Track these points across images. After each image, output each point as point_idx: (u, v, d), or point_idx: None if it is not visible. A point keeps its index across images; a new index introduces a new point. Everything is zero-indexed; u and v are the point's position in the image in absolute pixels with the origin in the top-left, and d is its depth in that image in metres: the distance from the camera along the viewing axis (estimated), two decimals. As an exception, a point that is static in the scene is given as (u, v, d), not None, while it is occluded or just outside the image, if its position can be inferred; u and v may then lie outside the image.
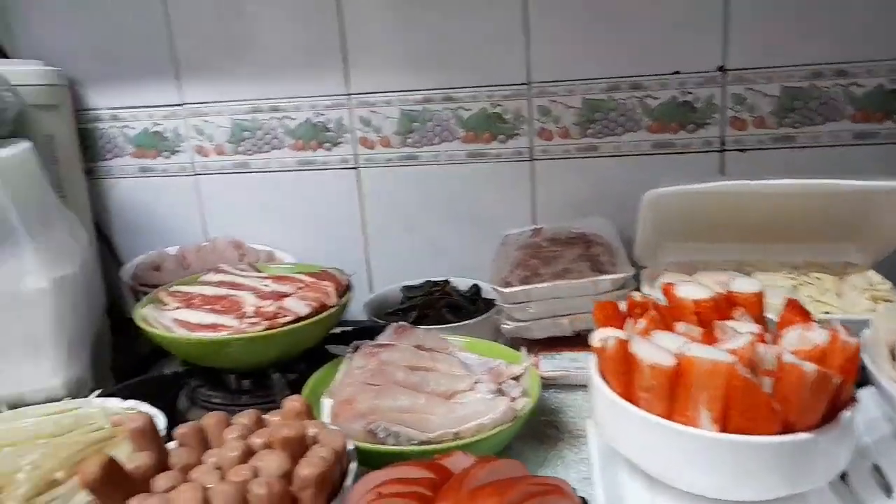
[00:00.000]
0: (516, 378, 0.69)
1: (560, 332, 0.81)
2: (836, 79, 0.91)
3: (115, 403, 0.65)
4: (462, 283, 0.97)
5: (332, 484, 0.49)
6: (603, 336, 0.47)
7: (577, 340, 0.83)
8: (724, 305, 0.49)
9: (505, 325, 0.81)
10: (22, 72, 0.90)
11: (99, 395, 0.66)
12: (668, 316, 0.49)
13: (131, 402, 0.67)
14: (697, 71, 0.93)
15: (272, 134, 1.06)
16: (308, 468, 0.47)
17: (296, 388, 0.70)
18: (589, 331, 0.81)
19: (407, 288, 0.97)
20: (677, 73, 0.94)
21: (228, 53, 1.02)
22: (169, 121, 1.07)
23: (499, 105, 0.99)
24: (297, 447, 0.51)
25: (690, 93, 0.94)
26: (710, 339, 0.44)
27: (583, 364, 0.80)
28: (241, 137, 1.06)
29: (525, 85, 0.98)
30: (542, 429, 0.72)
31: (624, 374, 0.44)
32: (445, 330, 0.80)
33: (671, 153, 0.97)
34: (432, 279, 0.98)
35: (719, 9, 0.90)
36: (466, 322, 0.84)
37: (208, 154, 1.08)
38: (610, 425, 0.49)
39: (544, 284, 0.76)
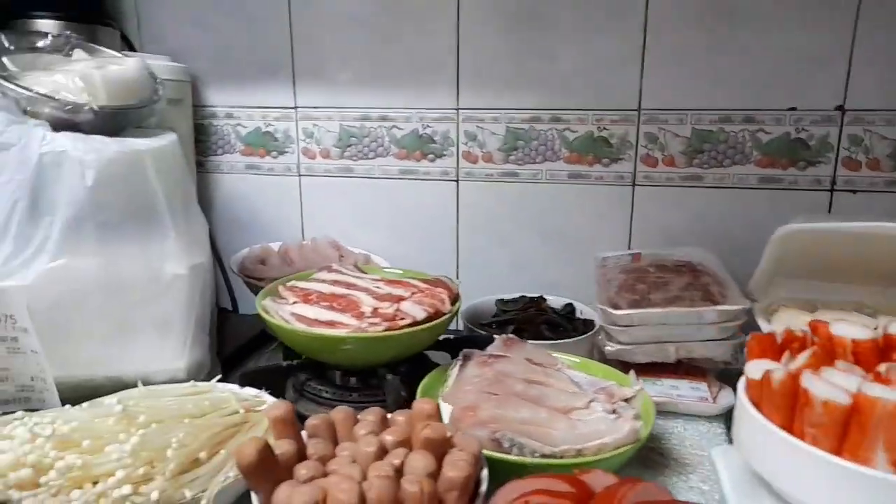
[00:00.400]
0: (626, 400, 0.69)
1: (662, 359, 0.80)
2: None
3: (235, 389, 0.68)
4: (555, 302, 0.98)
5: (472, 489, 0.50)
6: (765, 367, 0.47)
7: (677, 368, 0.83)
8: (884, 347, 0.49)
9: (608, 347, 0.81)
10: (155, 66, 0.95)
11: (218, 381, 0.69)
12: (826, 353, 0.49)
13: (249, 390, 0.69)
14: (815, 108, 0.93)
15: (378, 142, 1.09)
16: (454, 471, 0.49)
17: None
18: (691, 360, 0.82)
19: (502, 301, 0.98)
20: (793, 109, 0.93)
21: (344, 63, 1.06)
22: (280, 122, 1.11)
23: (606, 129, 1.00)
24: (438, 449, 0.52)
25: (805, 130, 0.94)
26: (880, 380, 0.44)
27: (683, 392, 0.80)
28: (347, 143, 1.10)
29: (635, 111, 0.98)
30: (646, 454, 0.71)
31: (789, 408, 0.44)
32: (545, 347, 0.81)
33: (777, 189, 0.97)
34: (527, 295, 0.98)
35: (845, 46, 0.90)
36: (566, 340, 0.85)
37: (314, 157, 1.12)
38: (766, 458, 0.49)
39: (658, 310, 0.76)
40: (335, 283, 0.82)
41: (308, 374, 0.79)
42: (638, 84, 0.97)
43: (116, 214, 0.68)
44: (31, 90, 0.65)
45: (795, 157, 0.95)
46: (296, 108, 1.10)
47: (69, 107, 0.65)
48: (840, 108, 0.92)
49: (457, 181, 1.07)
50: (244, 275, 0.97)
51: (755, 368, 0.50)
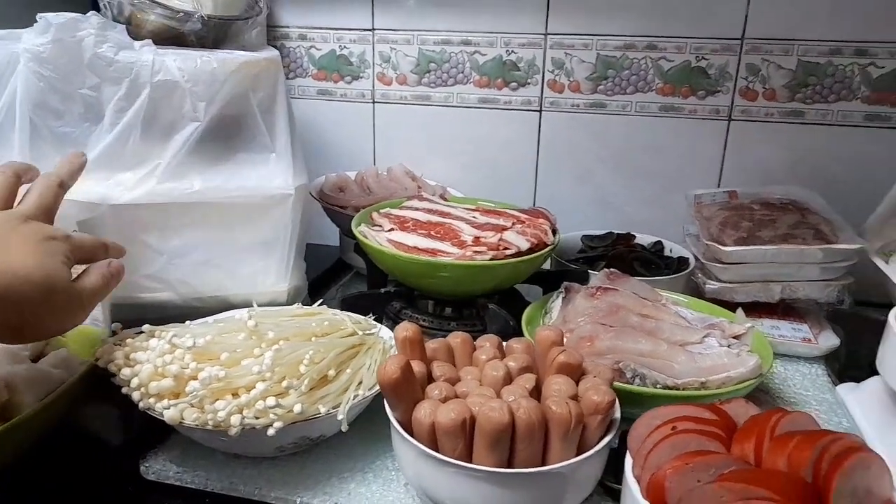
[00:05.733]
0: (737, 337, 0.67)
1: (766, 299, 0.78)
2: None
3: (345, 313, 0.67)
4: (643, 240, 0.95)
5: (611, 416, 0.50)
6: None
7: (776, 308, 0.81)
8: None
9: (709, 286, 0.79)
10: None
11: (320, 305, 0.68)
12: None
13: (356, 315, 0.68)
14: (935, 40, 0.87)
15: (458, 68, 1.05)
16: (598, 395, 0.48)
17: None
18: (796, 300, 0.80)
19: (588, 237, 0.96)
20: (915, 40, 0.87)
21: (427, -19, 1.01)
22: (356, 45, 1.07)
23: (704, 59, 0.95)
24: (574, 373, 0.51)
25: (923, 63, 0.88)
26: None
27: (784, 333, 0.78)
28: (426, 69, 1.06)
29: (737, 40, 0.93)
30: (752, 392, 0.70)
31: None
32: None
33: (886, 127, 0.92)
34: (615, 231, 0.96)
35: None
36: (661, 277, 0.83)
37: (390, 83, 1.08)
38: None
39: (770, 247, 0.74)
40: (429, 211, 0.81)
41: (402, 303, 0.79)
42: (744, 10, 0.91)
43: (223, 135, 0.67)
44: (140, -4, 0.62)
45: (909, 93, 0.90)
46: (373, 30, 1.06)
47: (180, 14, 0.63)
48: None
49: (539, 111, 1.04)
50: (325, 201, 0.95)
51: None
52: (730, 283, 0.78)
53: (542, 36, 1.00)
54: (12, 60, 0.60)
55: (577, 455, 0.47)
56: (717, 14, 0.93)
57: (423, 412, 0.47)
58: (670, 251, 0.93)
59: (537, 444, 0.46)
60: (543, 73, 1.02)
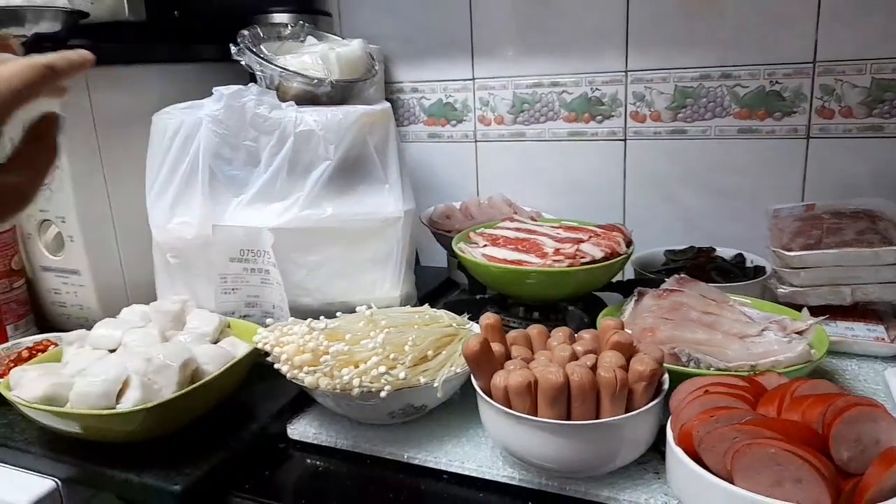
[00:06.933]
0: (800, 333, 0.73)
1: (837, 301, 0.83)
2: None
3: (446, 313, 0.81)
4: (725, 253, 1.02)
5: (655, 385, 0.59)
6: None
7: (852, 311, 0.85)
8: None
9: (781, 290, 0.85)
10: (359, 49, 1.11)
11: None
12: None
13: (448, 312, 0.82)
14: None
15: (549, 106, 1.18)
16: (642, 365, 0.58)
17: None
18: (870, 303, 0.83)
19: (671, 252, 1.04)
20: None
21: (519, 36, 1.16)
22: (459, 93, 1.24)
23: (778, 83, 1.02)
24: (626, 352, 0.61)
25: None
26: None
27: (858, 333, 0.82)
28: (520, 109, 1.20)
29: (809, 63, 0.99)
30: (819, 386, 0.75)
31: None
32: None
33: (971, 136, 0.93)
34: (696, 245, 1.03)
35: None
36: (736, 283, 0.89)
37: (489, 123, 1.24)
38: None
39: (832, 251, 0.79)
40: (518, 229, 0.93)
41: (496, 308, 0.92)
42: (812, 35, 0.98)
43: (347, 171, 0.84)
44: (287, 69, 0.82)
45: None
46: (473, 79, 1.22)
47: (314, 81, 0.81)
48: None
49: (624, 140, 1.14)
50: (433, 227, 1.11)
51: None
52: (801, 287, 0.83)
53: (623, 73, 1.11)
54: (197, 123, 0.81)
55: (626, 414, 0.57)
56: (786, 40, 1.00)
57: (499, 378, 0.59)
58: (751, 262, 0.98)
59: (590, 403, 0.56)
60: (626, 106, 1.12)
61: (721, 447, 0.49)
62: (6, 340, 0.88)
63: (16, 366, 0.79)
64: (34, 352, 0.84)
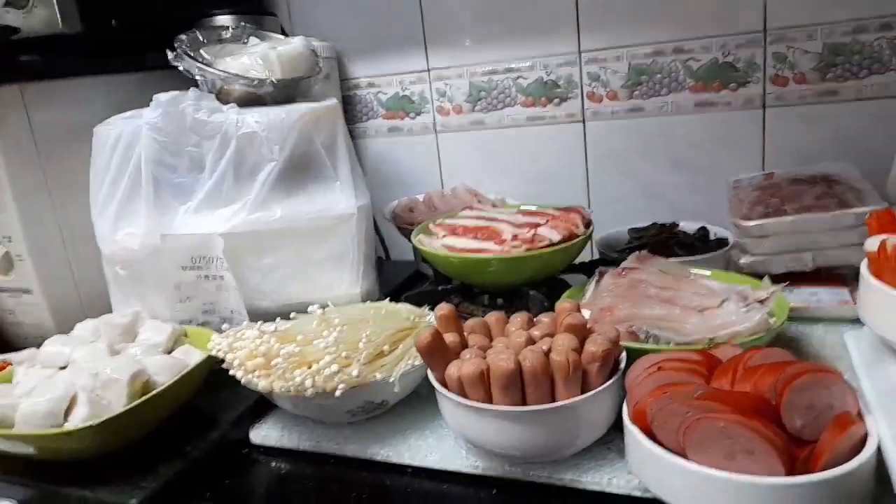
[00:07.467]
0: (761, 301, 0.73)
1: (800, 267, 0.83)
2: None
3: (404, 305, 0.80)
4: (688, 227, 1.01)
5: (611, 364, 0.58)
6: (881, 239, 0.50)
7: (816, 276, 0.84)
8: None
9: (743, 260, 0.84)
10: (309, 46, 1.09)
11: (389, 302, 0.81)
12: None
13: (414, 307, 0.81)
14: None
15: (505, 93, 1.17)
16: (594, 346, 0.57)
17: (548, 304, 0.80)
18: (832, 267, 0.83)
19: (634, 230, 1.03)
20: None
21: (471, 25, 1.15)
22: (415, 85, 1.23)
23: (731, 54, 1.01)
24: (580, 333, 0.60)
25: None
26: None
27: (822, 297, 0.82)
28: (478, 97, 1.19)
29: (760, 32, 0.99)
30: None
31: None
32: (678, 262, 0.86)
33: (924, 94, 0.93)
34: (658, 222, 1.03)
35: None
36: (700, 256, 0.89)
37: (448, 113, 1.22)
38: (891, 324, 0.52)
39: (789, 218, 0.79)
40: (478, 217, 0.92)
41: (460, 297, 0.91)
42: (762, 4, 0.97)
43: (295, 171, 0.82)
44: (227, 72, 0.80)
45: (941, 58, 0.91)
46: (428, 70, 1.21)
47: (255, 82, 0.80)
48: None
49: (583, 122, 1.13)
50: (397, 222, 1.10)
51: (873, 242, 0.53)
52: (762, 255, 0.83)
53: (576, 54, 1.10)
54: (136, 132, 0.79)
55: (581, 396, 0.56)
56: (736, 11, 0.99)
57: (453, 368, 0.58)
58: (714, 235, 0.98)
59: (543, 388, 0.56)
60: (582, 87, 1.11)
61: (673, 423, 0.48)
62: (-39, 365, 0.86)
63: (-30, 390, 0.77)
64: (-11, 374, 0.82)
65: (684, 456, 0.47)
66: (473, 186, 1.18)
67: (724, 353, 0.57)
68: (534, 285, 0.86)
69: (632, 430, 0.51)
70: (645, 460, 0.50)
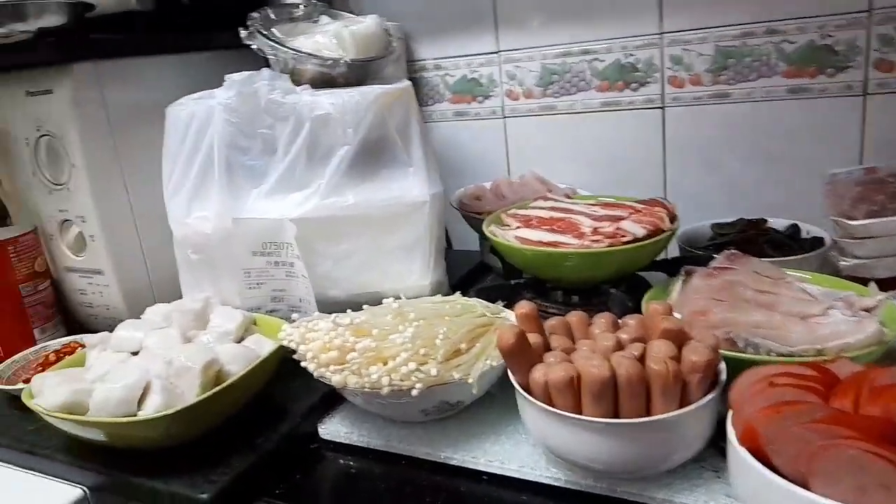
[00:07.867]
0: (868, 310, 0.67)
1: (908, 273, 0.76)
2: None
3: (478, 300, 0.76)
4: (777, 224, 0.95)
5: (711, 375, 0.54)
6: None
7: (924, 284, 0.78)
8: None
9: (843, 262, 0.78)
10: (378, 26, 1.06)
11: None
12: None
13: (481, 300, 0.77)
14: None
15: (580, 76, 1.11)
16: (696, 355, 0.52)
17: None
18: (944, 273, 0.76)
19: (718, 225, 0.97)
20: None
21: (544, 3, 1.09)
22: (484, 68, 1.18)
23: (830, 36, 0.94)
24: (677, 340, 0.56)
25: None
26: None
27: (932, 307, 0.75)
28: (549, 81, 1.14)
29: (865, 13, 0.91)
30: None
31: None
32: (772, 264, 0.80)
33: None
34: (745, 217, 0.97)
35: None
36: (792, 258, 0.83)
37: (517, 98, 1.17)
38: None
39: (900, 218, 0.72)
40: (552, 209, 0.88)
41: (532, 293, 0.87)
42: (867, -20, 0.89)
43: (368, 156, 0.79)
44: (299, 51, 0.77)
45: None
46: (498, 52, 1.16)
47: (329, 62, 0.77)
48: None
49: (662, 108, 1.07)
50: (463, 210, 1.06)
51: None
52: (866, 258, 0.77)
53: (658, 35, 1.04)
54: (209, 113, 0.77)
55: (680, 409, 0.51)
56: (839, -11, 0.91)
57: (538, 373, 0.55)
58: (807, 233, 0.91)
59: (639, 398, 0.52)
60: (663, 71, 1.05)
61: (792, 448, 0.43)
62: (34, 344, 0.87)
63: (43, 370, 0.77)
64: (61, 354, 0.83)
65: (803, 485, 0.43)
66: (543, 174, 1.14)
67: (839, 368, 0.51)
68: (612, 283, 0.82)
69: (741, 454, 0.47)
70: (758, 489, 0.45)
